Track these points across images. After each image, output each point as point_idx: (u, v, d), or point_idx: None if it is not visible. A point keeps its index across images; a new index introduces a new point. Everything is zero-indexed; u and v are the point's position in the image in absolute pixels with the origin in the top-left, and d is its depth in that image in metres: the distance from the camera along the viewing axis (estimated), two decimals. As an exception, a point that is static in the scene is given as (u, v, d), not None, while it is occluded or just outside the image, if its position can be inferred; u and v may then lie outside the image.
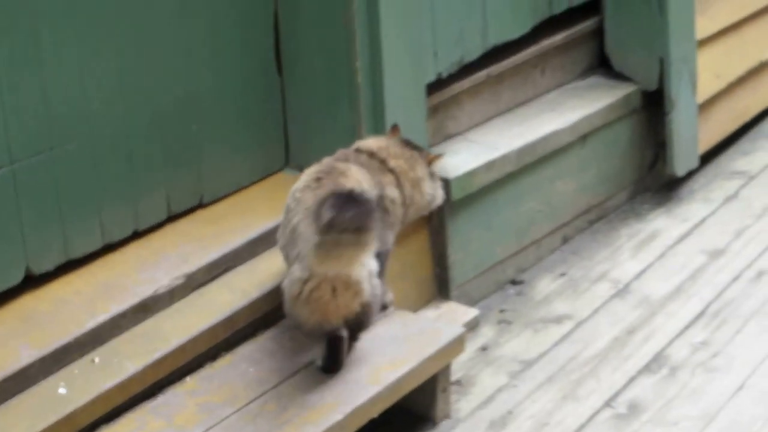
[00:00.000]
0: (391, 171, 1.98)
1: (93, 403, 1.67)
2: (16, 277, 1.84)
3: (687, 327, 2.46)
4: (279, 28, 2.28)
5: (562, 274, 2.78)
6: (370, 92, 2.23)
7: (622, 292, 2.67)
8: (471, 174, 2.48)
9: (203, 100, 2.17)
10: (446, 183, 2.37)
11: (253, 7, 2.23)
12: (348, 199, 1.65)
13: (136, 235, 2.09)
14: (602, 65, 3.07)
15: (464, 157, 2.56)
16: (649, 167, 3.17)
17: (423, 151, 2.08)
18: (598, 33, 3.00)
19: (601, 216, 3.03)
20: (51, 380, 1.70)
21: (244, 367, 1.92)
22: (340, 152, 2.01)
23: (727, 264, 2.74)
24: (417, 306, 2.39)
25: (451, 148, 2.58)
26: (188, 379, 1.87)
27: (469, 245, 2.55)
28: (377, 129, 2.24)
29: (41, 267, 1.89)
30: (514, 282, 2.73)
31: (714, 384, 2.20)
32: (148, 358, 1.79)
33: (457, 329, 2.13)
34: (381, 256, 1.99)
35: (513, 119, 2.81)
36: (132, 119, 2.02)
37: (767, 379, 2.19)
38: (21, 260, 1.85)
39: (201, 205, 2.23)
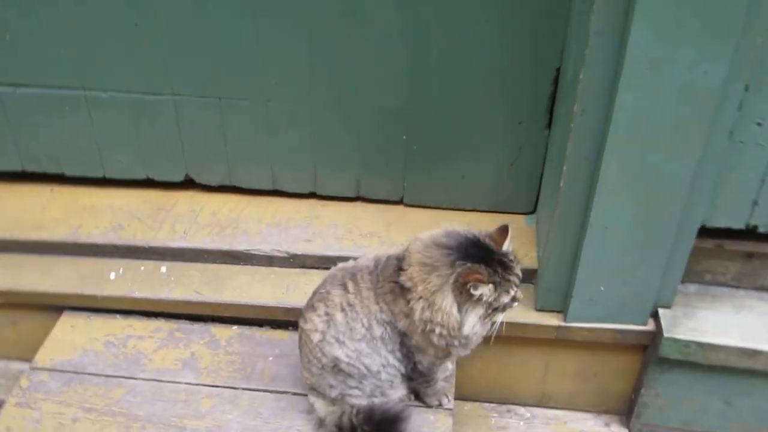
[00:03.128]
0: (404, 289, 1.40)
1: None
2: (178, 177, 2.00)
3: None
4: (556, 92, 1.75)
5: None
6: (582, 199, 1.54)
7: None
8: (705, 347, 1.66)
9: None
10: (658, 332, 1.69)
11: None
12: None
13: (313, 195, 2.01)
14: None
15: (725, 323, 1.69)
16: None
17: (465, 267, 1.35)
18: None
19: None
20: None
21: (267, 352, 1.79)
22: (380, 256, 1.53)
23: None
24: (594, 407, 1.95)
25: (741, 303, 1.74)
26: (234, 327, 1.85)
27: (681, 403, 1.82)
28: (583, 227, 1.58)
29: (200, 178, 2.00)
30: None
31: None
32: (189, 295, 1.81)
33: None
34: (415, 373, 1.56)
35: None
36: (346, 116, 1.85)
37: None
38: (181, 167, 1.98)
39: (402, 203, 1.99)
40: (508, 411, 1.95)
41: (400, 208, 1.98)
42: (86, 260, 1.90)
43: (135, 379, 1.71)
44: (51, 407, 1.64)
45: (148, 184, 2.02)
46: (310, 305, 1.53)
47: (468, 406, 1.96)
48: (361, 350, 1.47)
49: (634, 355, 1.80)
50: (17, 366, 1.98)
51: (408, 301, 1.40)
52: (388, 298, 1.44)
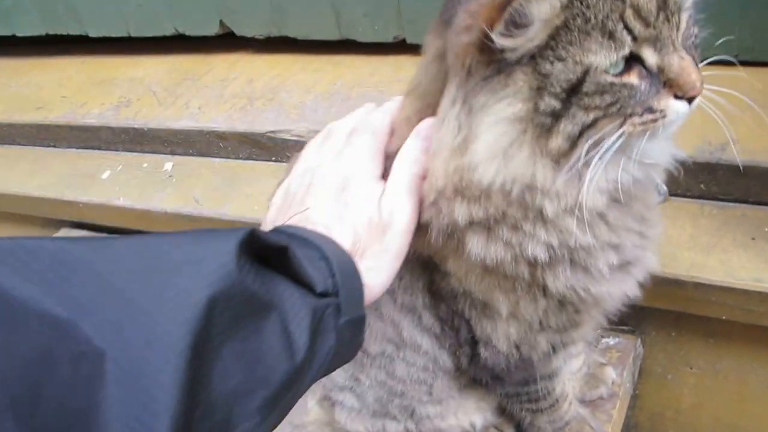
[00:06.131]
0: None
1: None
2: (212, 28, 1.26)
3: None
4: None
5: None
6: None
7: None
8: None
9: None
10: None
11: None
12: None
13: (401, 47, 1.11)
14: None
15: None
16: None
17: None
18: None
19: None
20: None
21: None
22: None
23: None
24: None
25: None
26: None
27: None
28: None
29: (240, 28, 1.24)
30: None
31: None
32: (184, 205, 1.09)
33: None
34: (483, 371, 0.64)
35: None
36: None
37: None
38: (214, 13, 1.24)
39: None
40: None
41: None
42: (85, 154, 1.29)
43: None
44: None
45: (180, 44, 1.34)
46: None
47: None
48: None
49: None
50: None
51: None
52: None
